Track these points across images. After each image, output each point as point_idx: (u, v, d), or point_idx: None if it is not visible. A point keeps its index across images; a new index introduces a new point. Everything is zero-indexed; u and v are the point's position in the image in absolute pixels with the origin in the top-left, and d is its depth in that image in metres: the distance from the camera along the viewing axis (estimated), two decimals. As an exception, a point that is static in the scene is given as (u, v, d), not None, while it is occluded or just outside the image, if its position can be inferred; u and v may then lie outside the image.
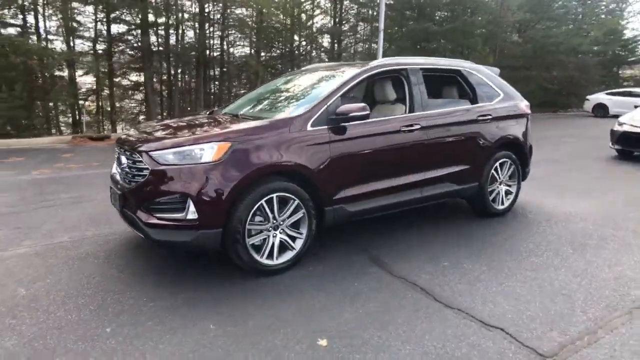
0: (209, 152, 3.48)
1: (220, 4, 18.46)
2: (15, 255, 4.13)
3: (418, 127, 4.42)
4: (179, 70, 20.16)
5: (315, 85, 4.43)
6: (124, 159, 3.90)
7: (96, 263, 3.98)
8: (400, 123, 4.35)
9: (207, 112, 5.32)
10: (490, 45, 21.82)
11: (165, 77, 20.12)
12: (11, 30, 13.84)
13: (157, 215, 3.51)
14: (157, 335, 2.81)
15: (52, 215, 5.39)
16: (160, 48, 18.18)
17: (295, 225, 3.87)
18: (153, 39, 18.12)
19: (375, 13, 19.20)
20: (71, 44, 15.82)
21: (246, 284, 3.58)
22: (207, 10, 18.39)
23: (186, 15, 18.41)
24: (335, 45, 22.10)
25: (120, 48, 18.00)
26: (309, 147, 3.78)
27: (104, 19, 16.50)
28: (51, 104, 13.33)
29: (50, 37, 15.16)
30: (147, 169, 3.56)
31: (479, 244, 4.45)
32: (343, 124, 3.99)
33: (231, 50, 20.97)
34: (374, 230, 4.82)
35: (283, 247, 3.82)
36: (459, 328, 2.91)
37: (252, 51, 20.71)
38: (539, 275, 3.71)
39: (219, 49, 20.20)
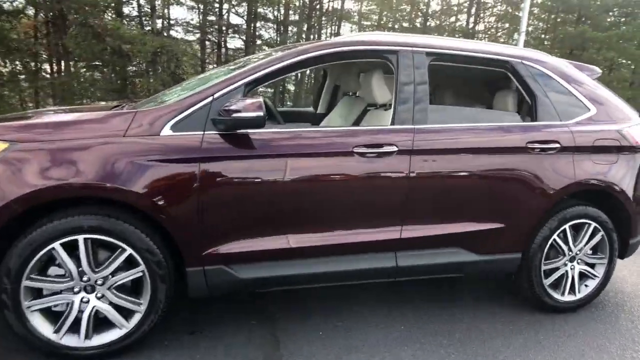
0: (-26, 153, 2.21)
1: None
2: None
3: (393, 149, 2.66)
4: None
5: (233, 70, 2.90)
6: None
7: None
8: (355, 140, 2.64)
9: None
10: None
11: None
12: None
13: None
14: None
15: None
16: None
17: (136, 290, 2.45)
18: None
19: (520, 13, 16.53)
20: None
21: None
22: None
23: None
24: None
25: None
26: (158, 165, 2.33)
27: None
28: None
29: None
30: None
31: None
32: (241, 130, 2.43)
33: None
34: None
35: (107, 321, 2.41)
36: None
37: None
38: None
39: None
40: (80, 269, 2.32)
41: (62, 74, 13.92)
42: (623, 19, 18.96)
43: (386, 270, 2.82)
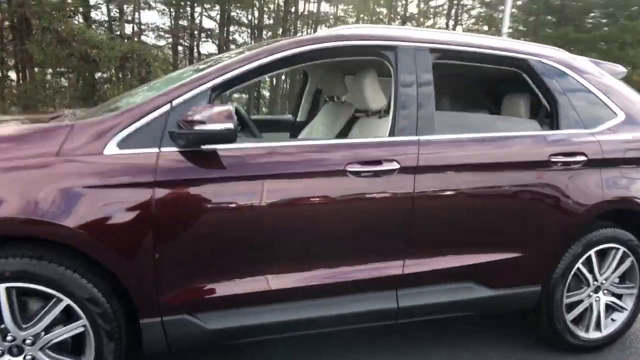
0: None
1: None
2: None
3: (394, 167, 2.21)
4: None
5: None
6: None
7: None
8: (348, 156, 2.17)
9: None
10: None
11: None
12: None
13: None
14: None
15: None
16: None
17: (78, 349, 1.97)
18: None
19: (499, 15, 16.39)
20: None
21: None
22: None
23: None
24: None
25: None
26: (100, 193, 1.83)
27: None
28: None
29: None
30: None
31: None
32: (207, 146, 1.94)
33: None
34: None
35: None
36: None
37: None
38: None
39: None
40: (2, 326, 1.81)
41: (27, 81, 13.20)
42: (604, 20, 18.97)
43: (385, 312, 2.37)
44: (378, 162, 2.21)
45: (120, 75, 14.16)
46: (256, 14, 17.54)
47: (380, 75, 2.78)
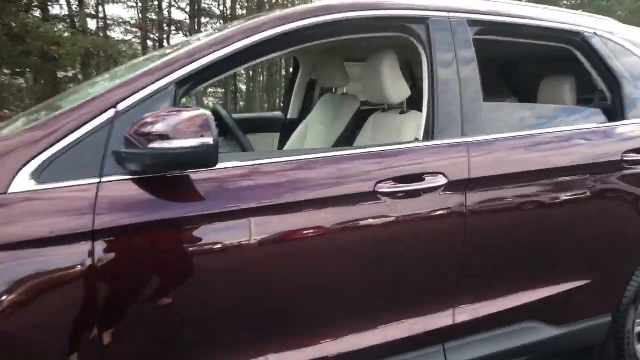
0: None
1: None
2: None
3: (440, 182, 1.56)
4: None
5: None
6: None
7: None
8: (378, 171, 1.52)
9: None
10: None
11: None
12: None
13: None
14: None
15: None
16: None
17: None
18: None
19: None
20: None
21: None
22: None
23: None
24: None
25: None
26: (3, 257, 1.12)
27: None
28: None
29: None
30: None
31: None
32: (174, 173, 1.25)
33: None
34: None
35: None
36: None
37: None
38: None
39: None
40: None
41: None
42: (579, 2, 18.70)
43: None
44: (418, 178, 1.57)
45: (86, 74, 13.23)
46: (228, 3, 16.71)
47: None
